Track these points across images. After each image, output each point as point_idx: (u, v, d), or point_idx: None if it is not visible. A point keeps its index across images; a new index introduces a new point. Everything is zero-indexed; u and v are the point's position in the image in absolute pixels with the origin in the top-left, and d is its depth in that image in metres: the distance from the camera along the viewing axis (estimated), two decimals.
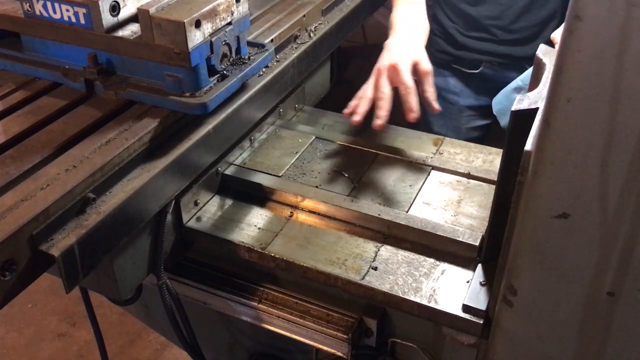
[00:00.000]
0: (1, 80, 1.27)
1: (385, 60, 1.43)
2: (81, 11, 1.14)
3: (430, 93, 1.42)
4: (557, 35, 1.40)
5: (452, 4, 1.87)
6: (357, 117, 1.40)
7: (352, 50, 2.85)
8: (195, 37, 1.09)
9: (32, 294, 3.10)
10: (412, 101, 1.37)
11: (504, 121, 1.55)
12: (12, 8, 1.24)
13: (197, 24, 1.08)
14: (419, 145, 1.50)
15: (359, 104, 1.42)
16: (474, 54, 1.90)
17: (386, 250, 1.19)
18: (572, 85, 0.74)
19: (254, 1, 1.57)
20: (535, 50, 1.80)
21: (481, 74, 1.92)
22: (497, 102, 1.58)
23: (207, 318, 1.47)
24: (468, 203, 1.28)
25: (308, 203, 1.28)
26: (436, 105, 1.42)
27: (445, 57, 1.96)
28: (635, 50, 0.68)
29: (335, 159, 1.41)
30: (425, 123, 2.09)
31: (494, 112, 1.58)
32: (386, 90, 1.39)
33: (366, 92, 1.43)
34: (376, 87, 1.41)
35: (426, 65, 1.43)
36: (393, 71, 1.40)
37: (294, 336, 1.26)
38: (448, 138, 1.54)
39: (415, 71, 1.42)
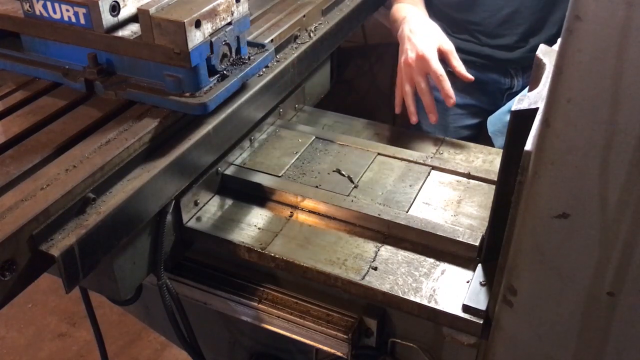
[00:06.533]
0: (1, 80, 1.27)
1: (410, 52, 1.50)
2: (81, 11, 1.14)
3: (460, 66, 1.53)
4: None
5: (438, 8, 1.89)
6: (414, 118, 1.53)
7: (352, 50, 2.84)
8: (195, 37, 1.09)
9: (32, 294, 3.11)
10: (447, 87, 1.47)
11: (498, 143, 1.56)
12: (12, 8, 1.24)
13: (197, 24, 1.08)
14: (419, 145, 1.50)
15: (408, 103, 1.53)
16: (457, 52, 1.92)
17: (386, 250, 1.19)
18: (572, 85, 0.74)
19: (254, 1, 1.57)
20: (518, 57, 1.85)
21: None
22: (492, 123, 1.59)
23: (207, 318, 1.47)
24: (468, 203, 1.28)
25: (308, 203, 1.28)
26: (468, 74, 1.53)
27: None
28: (635, 50, 0.68)
29: (335, 159, 1.41)
30: None
31: (489, 134, 1.59)
32: (423, 85, 1.49)
33: (404, 87, 1.52)
34: (413, 82, 1.50)
35: (448, 45, 1.53)
36: (422, 61, 1.48)
37: (294, 336, 1.26)
38: (448, 138, 1.54)
39: (440, 53, 1.51)
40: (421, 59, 1.47)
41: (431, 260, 1.17)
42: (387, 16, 1.88)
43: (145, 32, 1.10)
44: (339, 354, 1.23)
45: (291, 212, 1.29)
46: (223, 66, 1.19)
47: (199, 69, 1.13)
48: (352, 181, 1.34)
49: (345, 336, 1.19)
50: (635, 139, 0.72)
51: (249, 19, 1.22)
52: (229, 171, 1.36)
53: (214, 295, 1.31)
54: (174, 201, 1.18)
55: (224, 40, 1.17)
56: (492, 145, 1.55)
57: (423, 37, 1.52)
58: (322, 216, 1.27)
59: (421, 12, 1.75)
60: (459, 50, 1.93)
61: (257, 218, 1.28)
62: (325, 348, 1.24)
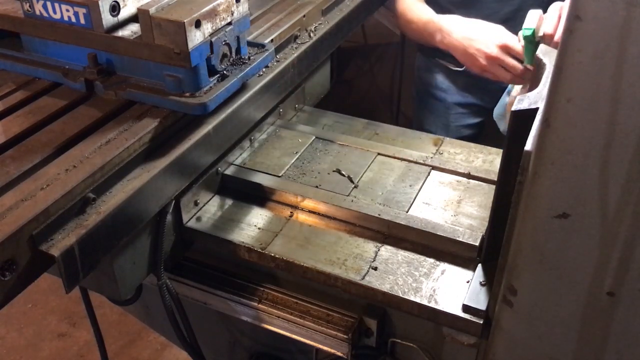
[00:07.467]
0: (1, 80, 1.27)
1: (484, 46, 1.64)
2: (81, 11, 1.14)
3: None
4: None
5: (440, 4, 1.89)
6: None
7: (352, 50, 2.85)
8: (195, 37, 1.09)
9: (32, 294, 3.11)
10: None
11: (502, 127, 1.57)
12: (12, 8, 1.24)
13: (197, 24, 1.08)
14: (419, 145, 1.50)
15: (524, 84, 1.59)
16: None
17: (386, 250, 1.19)
18: (572, 85, 0.74)
19: (254, 1, 1.57)
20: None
21: (466, 72, 1.94)
22: (496, 108, 1.60)
23: (207, 318, 1.47)
24: (468, 203, 1.28)
25: (308, 203, 1.28)
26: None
27: (431, 51, 1.99)
28: (635, 50, 0.68)
29: (335, 159, 1.41)
30: (416, 120, 2.11)
31: (494, 117, 1.59)
32: (508, 75, 1.62)
33: (505, 78, 1.64)
34: (512, 67, 1.62)
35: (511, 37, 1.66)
36: (507, 49, 1.62)
37: (294, 336, 1.26)
38: (448, 138, 1.54)
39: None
40: (505, 48, 1.60)
41: (431, 260, 1.17)
42: (387, 16, 1.88)
43: (145, 32, 1.10)
44: (339, 354, 1.23)
45: (291, 212, 1.29)
46: (223, 66, 1.19)
47: (199, 69, 1.13)
48: (352, 181, 1.34)
49: (345, 336, 1.19)
50: (635, 139, 0.72)
51: (249, 19, 1.22)
52: (229, 171, 1.36)
53: (214, 295, 1.31)
54: (174, 201, 1.18)
55: (224, 40, 1.17)
56: (493, 144, 1.55)
57: (483, 31, 1.65)
58: (322, 216, 1.27)
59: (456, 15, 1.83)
60: None
61: (257, 218, 1.28)
62: (325, 348, 1.24)
